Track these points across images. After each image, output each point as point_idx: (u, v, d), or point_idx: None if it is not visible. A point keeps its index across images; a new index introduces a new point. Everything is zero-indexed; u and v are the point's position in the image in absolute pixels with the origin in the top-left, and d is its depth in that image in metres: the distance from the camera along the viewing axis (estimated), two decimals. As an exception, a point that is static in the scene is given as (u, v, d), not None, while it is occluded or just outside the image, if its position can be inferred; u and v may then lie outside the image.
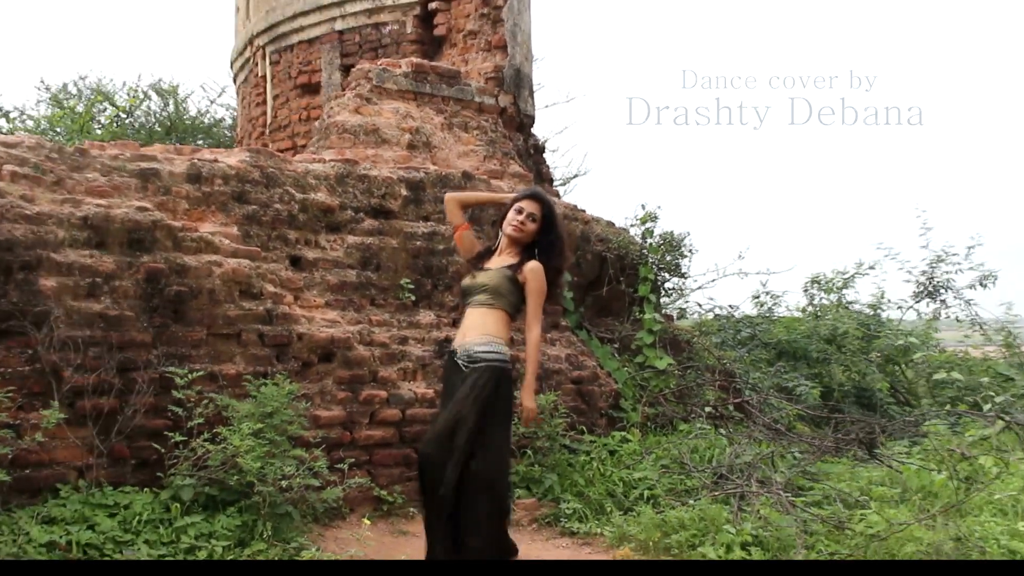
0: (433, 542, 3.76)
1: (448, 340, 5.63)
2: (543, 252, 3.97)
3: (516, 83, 7.55)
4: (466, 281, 4.02)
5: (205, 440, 4.24)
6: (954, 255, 9.77)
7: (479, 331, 3.84)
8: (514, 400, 3.96)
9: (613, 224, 7.72)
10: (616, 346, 6.97)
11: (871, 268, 10.10)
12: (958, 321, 9.65)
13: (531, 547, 4.66)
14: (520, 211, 3.97)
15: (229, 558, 3.97)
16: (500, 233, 4.06)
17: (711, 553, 4.25)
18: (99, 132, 12.84)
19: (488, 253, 4.09)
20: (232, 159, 5.36)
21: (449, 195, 4.28)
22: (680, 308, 10.05)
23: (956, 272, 9.70)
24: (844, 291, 10.20)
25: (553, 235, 3.99)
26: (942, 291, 9.68)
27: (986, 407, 6.64)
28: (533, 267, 3.88)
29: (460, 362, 3.83)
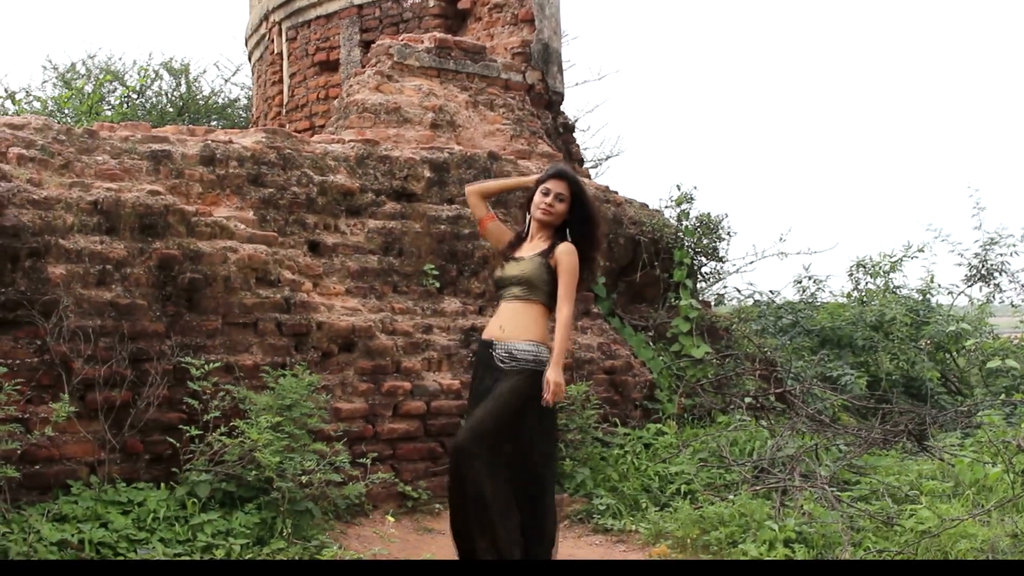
0: (468, 542, 3.62)
1: (474, 329, 5.49)
2: (575, 230, 3.86)
3: (544, 59, 7.48)
4: (497, 272, 3.91)
5: (222, 434, 4.20)
6: (1009, 236, 9.55)
7: (521, 330, 3.73)
8: (556, 411, 3.88)
9: (647, 206, 7.67)
10: (651, 334, 6.89)
11: (920, 251, 9.91)
12: (1013, 306, 9.49)
13: (563, 545, 4.56)
14: (547, 192, 3.85)
15: (247, 557, 3.91)
16: (528, 216, 3.93)
17: (752, 550, 4.16)
18: (109, 113, 12.79)
19: (519, 240, 3.97)
20: (247, 140, 5.32)
21: (470, 187, 4.19)
22: (718, 294, 9.93)
23: (1011, 254, 9.49)
24: (891, 275, 10.00)
25: (584, 211, 3.88)
26: (996, 274, 9.49)
27: (1044, 396, 6.48)
28: (564, 248, 3.78)
29: (498, 357, 3.71)
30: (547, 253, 3.78)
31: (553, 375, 3.67)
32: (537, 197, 3.85)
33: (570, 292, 3.73)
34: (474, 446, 3.55)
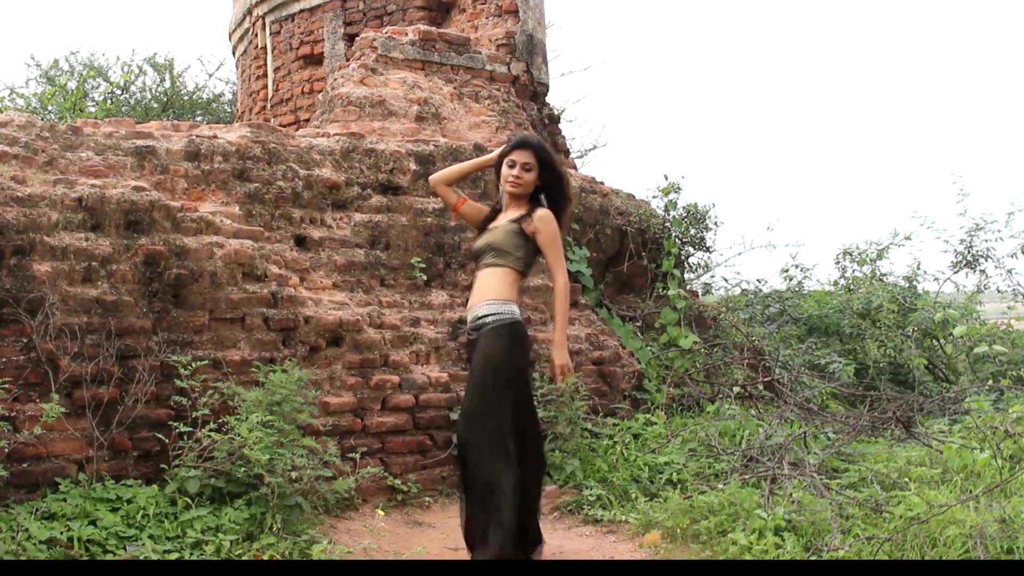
0: (477, 535, 3.62)
1: (462, 322, 5.47)
2: (550, 194, 3.84)
3: (529, 50, 7.43)
4: (475, 244, 3.90)
5: (211, 430, 4.16)
6: (993, 222, 9.48)
7: (482, 295, 3.72)
8: (530, 354, 3.83)
9: (634, 196, 7.66)
10: (639, 324, 6.89)
11: (906, 238, 9.85)
12: (999, 292, 9.41)
13: (553, 536, 4.54)
14: (513, 164, 3.82)
15: (237, 552, 3.88)
16: (500, 191, 3.91)
17: (742, 539, 4.12)
18: (92, 110, 12.65)
19: (495, 214, 3.95)
20: (232, 135, 5.28)
21: (433, 178, 4.14)
22: (705, 284, 9.90)
23: (996, 240, 9.44)
24: (878, 263, 9.95)
25: (555, 175, 3.86)
26: (982, 261, 9.43)
27: (1030, 381, 6.45)
28: (542, 215, 3.74)
29: (468, 330, 3.75)
30: (522, 219, 3.74)
31: (558, 357, 3.68)
32: (504, 170, 3.82)
33: (559, 260, 3.72)
34: (472, 433, 3.55)
